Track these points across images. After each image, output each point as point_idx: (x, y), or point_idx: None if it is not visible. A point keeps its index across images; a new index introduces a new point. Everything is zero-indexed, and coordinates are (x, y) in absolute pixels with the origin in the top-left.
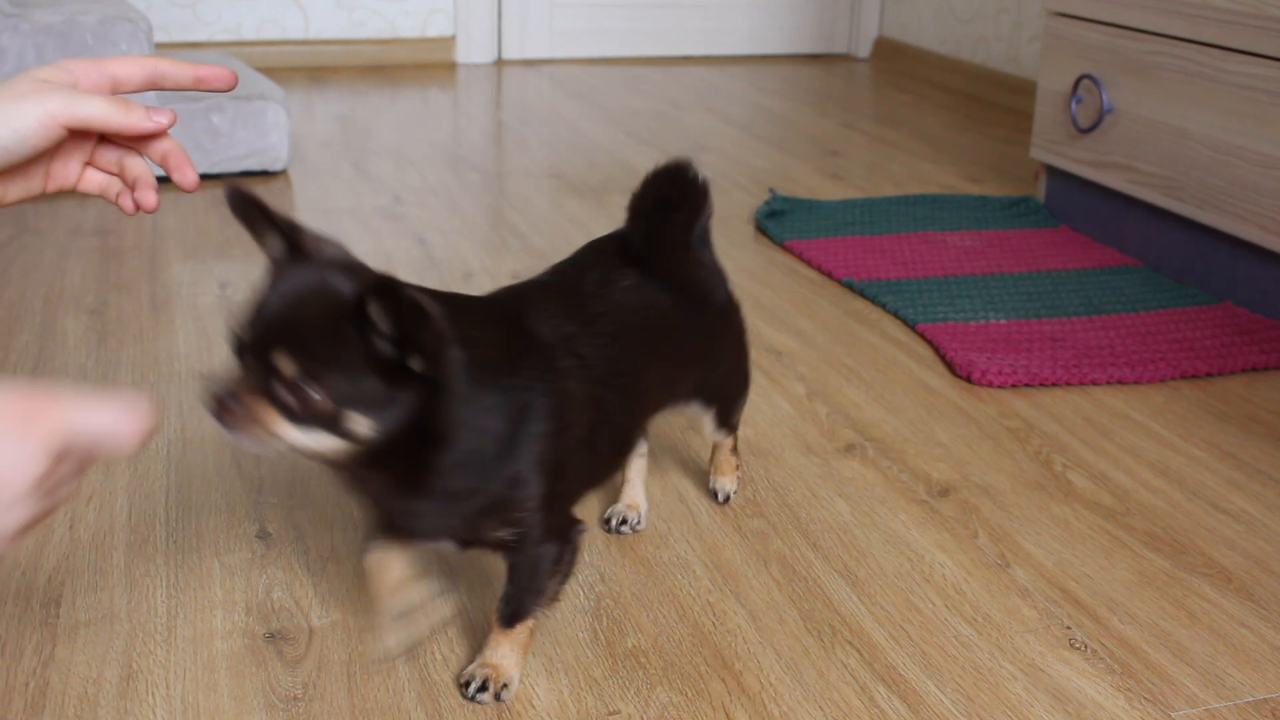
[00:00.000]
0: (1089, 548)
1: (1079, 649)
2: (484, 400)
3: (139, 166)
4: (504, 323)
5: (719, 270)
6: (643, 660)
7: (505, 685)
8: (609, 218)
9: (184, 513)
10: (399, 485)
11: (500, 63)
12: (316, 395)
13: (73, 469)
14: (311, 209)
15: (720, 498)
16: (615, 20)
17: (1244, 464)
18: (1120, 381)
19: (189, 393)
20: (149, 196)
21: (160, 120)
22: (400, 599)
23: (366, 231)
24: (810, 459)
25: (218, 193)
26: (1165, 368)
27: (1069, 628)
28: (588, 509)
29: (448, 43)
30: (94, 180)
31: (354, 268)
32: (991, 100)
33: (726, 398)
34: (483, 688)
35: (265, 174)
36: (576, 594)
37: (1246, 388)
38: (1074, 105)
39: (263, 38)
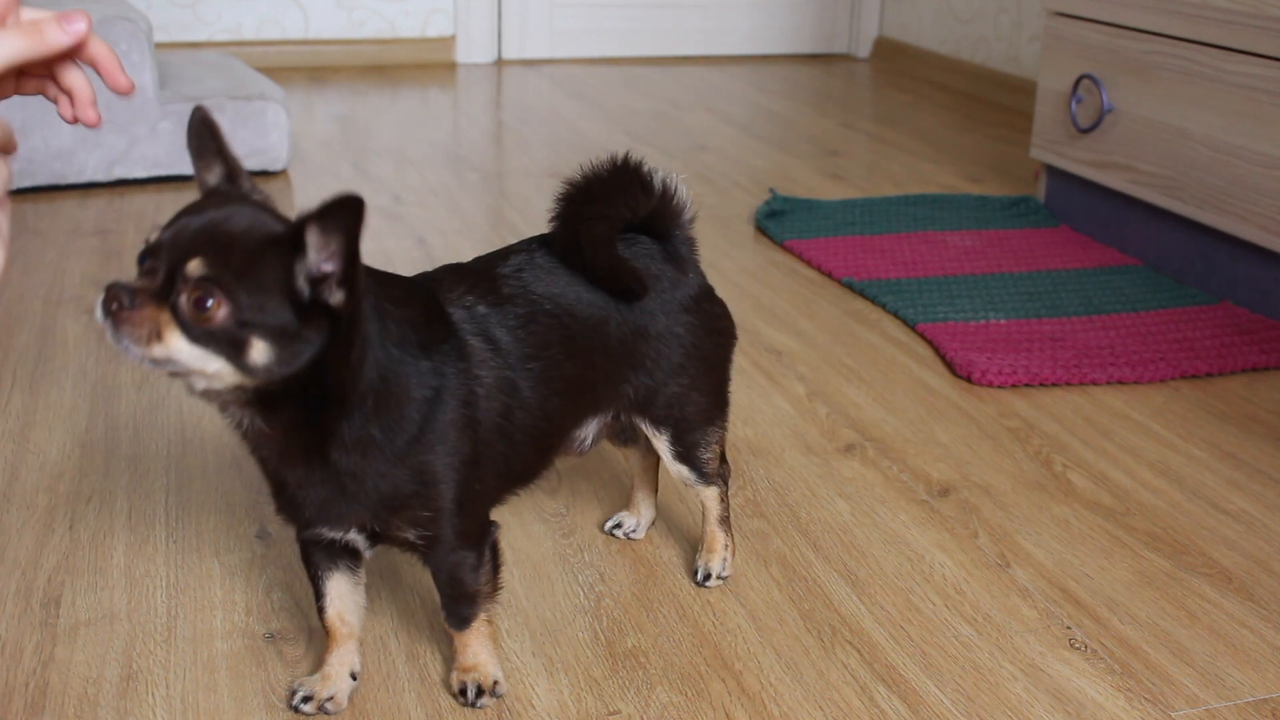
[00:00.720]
0: (1089, 548)
1: (1079, 649)
2: (396, 373)
3: (75, 79)
4: (420, 303)
5: (673, 274)
6: (643, 660)
7: (496, 682)
8: None
9: (184, 513)
10: (295, 450)
11: (500, 63)
12: (219, 305)
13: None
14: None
15: (699, 577)
16: (615, 20)
17: (1244, 464)
18: (1120, 381)
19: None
20: (89, 113)
21: (78, 28)
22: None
23: (366, 231)
24: (810, 459)
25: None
26: (1165, 368)
27: (1069, 628)
28: (586, 514)
29: (448, 43)
30: (28, 85)
31: (277, 213)
32: (991, 100)
33: (683, 421)
34: (479, 692)
35: (265, 174)
36: (576, 594)
37: (1246, 388)
38: (1074, 105)
39: (263, 38)
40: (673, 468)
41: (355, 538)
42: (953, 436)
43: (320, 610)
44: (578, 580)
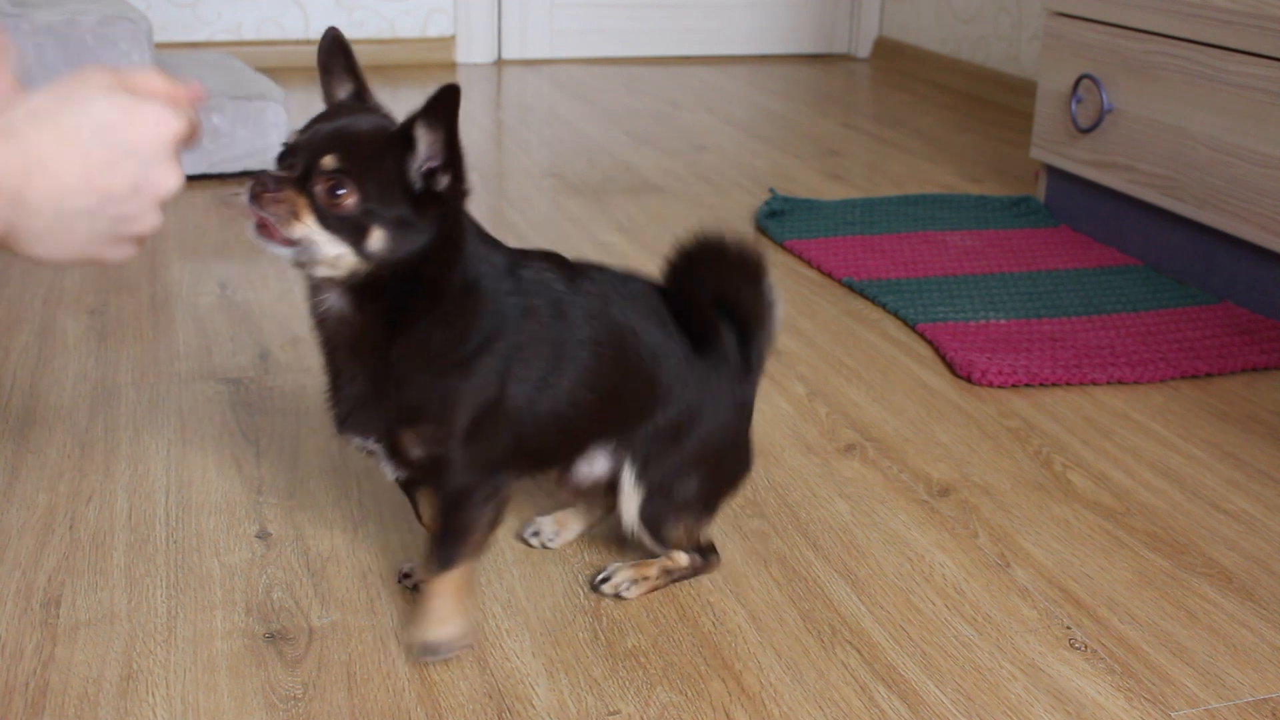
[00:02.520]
0: (1089, 548)
1: (1079, 649)
2: (472, 294)
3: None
4: (504, 252)
5: (739, 367)
6: (643, 660)
7: (446, 641)
8: (609, 218)
9: (184, 513)
10: (365, 341)
11: (500, 63)
12: (350, 193)
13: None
14: None
15: (599, 578)
16: (615, 20)
17: (1244, 464)
18: (1120, 381)
19: (189, 393)
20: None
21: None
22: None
23: None
24: (810, 459)
25: (218, 192)
26: (1165, 368)
27: (1069, 628)
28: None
29: (448, 43)
30: None
31: (393, 121)
32: (991, 100)
33: (665, 488)
34: (434, 650)
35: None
36: (576, 594)
37: (1246, 388)
38: (1074, 105)
39: (263, 38)
40: (630, 523)
41: (378, 450)
42: (953, 436)
43: (418, 515)
44: (578, 580)
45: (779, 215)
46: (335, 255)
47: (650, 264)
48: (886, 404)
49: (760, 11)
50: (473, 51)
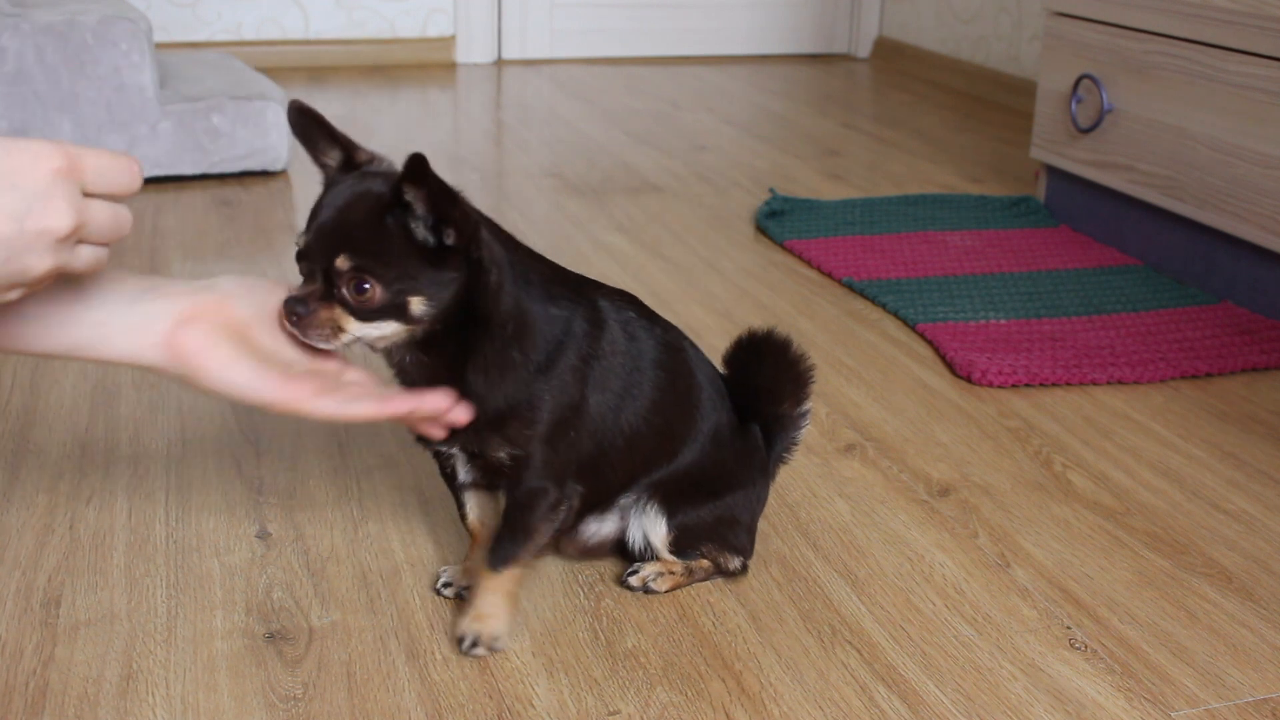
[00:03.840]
0: (1089, 548)
1: (1079, 649)
2: (528, 309)
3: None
4: (559, 275)
5: (763, 458)
6: (643, 660)
7: (496, 636)
8: (609, 218)
9: (184, 513)
10: (441, 374)
11: (500, 63)
12: (374, 287)
13: (106, 223)
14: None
15: (629, 577)
16: (615, 20)
17: (1244, 464)
18: (1120, 381)
19: (188, 392)
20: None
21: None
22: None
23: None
24: (810, 459)
25: (219, 192)
26: (1165, 368)
27: (1069, 628)
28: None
29: (448, 43)
30: None
31: (392, 175)
32: (991, 100)
33: (698, 535)
34: (475, 643)
35: (265, 174)
36: (576, 594)
37: (1246, 388)
38: (1074, 105)
39: (263, 38)
40: (660, 541)
41: (458, 456)
42: (953, 436)
43: (462, 517)
44: (578, 580)
45: (779, 215)
46: (385, 335)
47: (650, 264)
48: (886, 404)
49: (760, 11)
50: (473, 51)
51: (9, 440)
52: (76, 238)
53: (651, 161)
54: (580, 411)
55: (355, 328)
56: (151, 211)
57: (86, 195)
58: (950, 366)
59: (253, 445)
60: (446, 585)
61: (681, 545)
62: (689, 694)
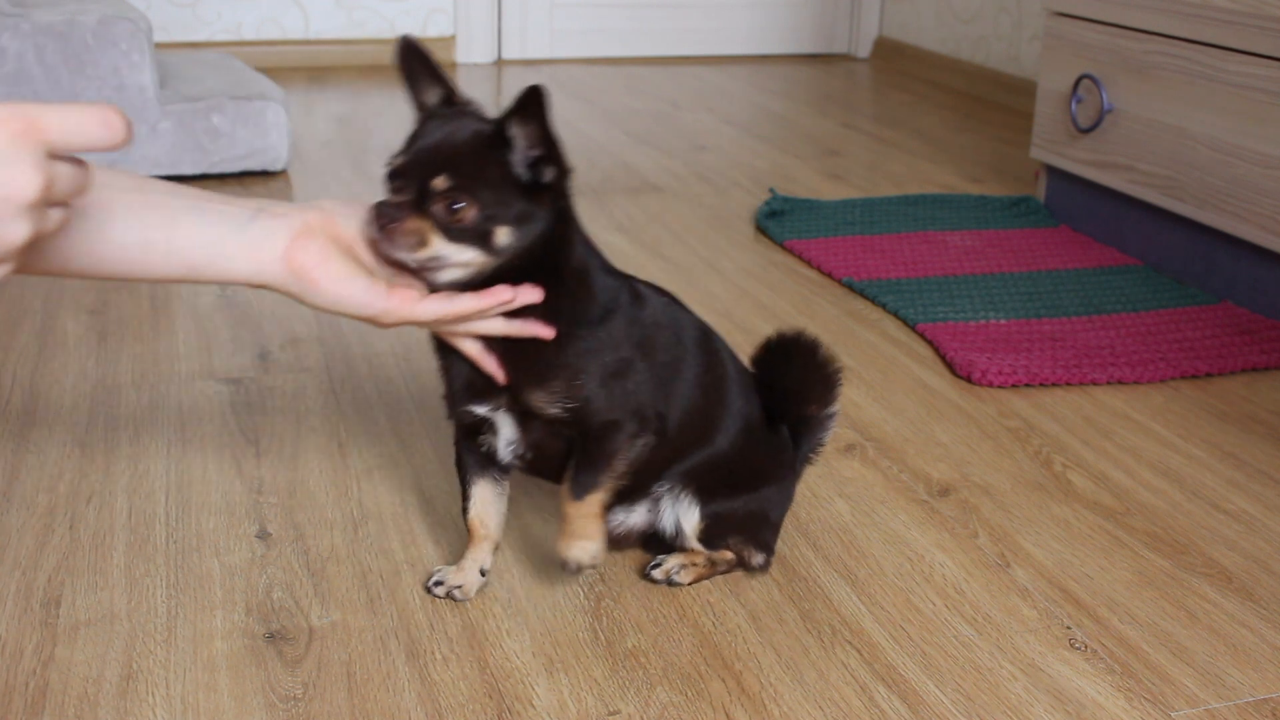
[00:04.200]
0: (1089, 548)
1: (1079, 649)
2: (589, 270)
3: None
4: (608, 263)
5: (791, 456)
6: (643, 660)
7: (595, 555)
8: (609, 218)
9: (184, 513)
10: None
11: (500, 63)
12: (468, 207)
13: (68, 181)
14: None
15: (653, 569)
16: (615, 20)
17: (1244, 464)
18: (1120, 381)
19: (189, 393)
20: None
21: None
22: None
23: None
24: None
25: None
26: (1165, 368)
27: (1069, 628)
28: None
29: (448, 43)
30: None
31: (489, 118)
32: (991, 100)
33: (720, 506)
34: (577, 569)
35: (265, 174)
36: (576, 594)
37: (1246, 388)
38: (1074, 105)
39: (263, 38)
40: (687, 541)
41: (503, 422)
42: (953, 436)
43: (464, 510)
44: (578, 580)
45: (779, 215)
46: (467, 260)
47: (650, 264)
48: (886, 404)
49: (760, 11)
50: (473, 51)
51: (9, 440)
52: (48, 200)
53: (651, 161)
54: (630, 364)
55: (439, 244)
56: None
57: (57, 156)
58: (950, 366)
59: (253, 445)
60: (438, 584)
61: (711, 535)
62: (689, 694)
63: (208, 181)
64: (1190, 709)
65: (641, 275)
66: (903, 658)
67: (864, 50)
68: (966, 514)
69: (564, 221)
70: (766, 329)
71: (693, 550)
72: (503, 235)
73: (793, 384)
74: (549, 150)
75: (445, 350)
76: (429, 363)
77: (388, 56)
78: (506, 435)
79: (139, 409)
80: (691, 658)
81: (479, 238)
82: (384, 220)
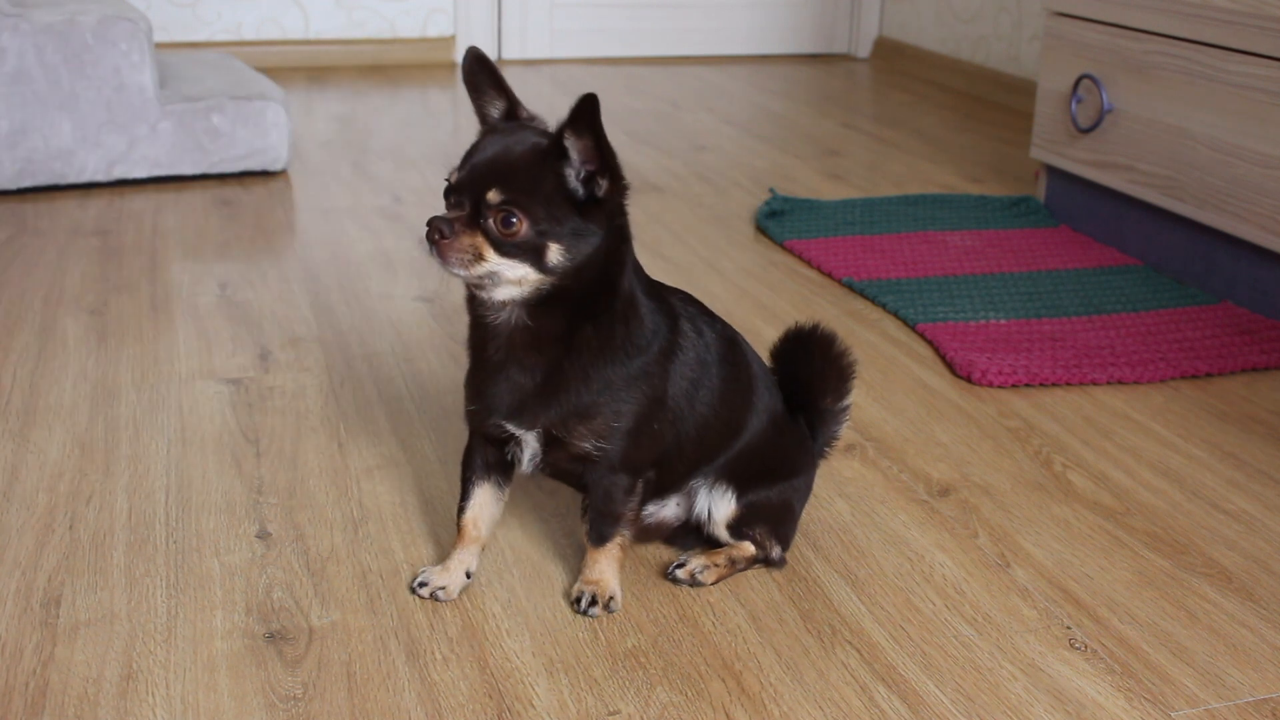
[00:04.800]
0: (1089, 548)
1: (1079, 649)
2: (637, 299)
3: None
4: (648, 278)
5: (809, 445)
6: (643, 660)
7: (611, 598)
8: None
9: (184, 513)
10: (542, 345)
11: (500, 63)
12: (521, 222)
13: None
14: (311, 209)
15: (676, 569)
16: (615, 20)
17: (1244, 464)
18: (1120, 381)
19: (188, 392)
20: None
21: None
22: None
23: (366, 231)
24: None
25: (218, 192)
26: (1165, 368)
27: (1069, 628)
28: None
29: (448, 43)
30: None
31: (548, 131)
32: (991, 100)
33: (756, 495)
34: (593, 602)
35: (265, 174)
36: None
37: (1246, 388)
38: (1074, 105)
39: (263, 38)
40: (722, 520)
41: (531, 440)
42: (953, 436)
43: (460, 510)
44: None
45: (779, 215)
46: (519, 276)
47: (650, 264)
48: (886, 404)
49: (760, 11)
50: None
51: (9, 440)
52: None
53: (651, 161)
54: (663, 404)
55: (494, 259)
56: (151, 211)
57: None
58: (950, 366)
59: (253, 445)
60: (422, 585)
61: (741, 523)
62: (689, 694)
63: (208, 181)
64: (1190, 709)
65: None
66: (903, 658)
67: (864, 50)
68: (966, 514)
69: (620, 240)
70: (766, 329)
71: (713, 550)
72: (555, 252)
73: (809, 376)
74: (603, 162)
75: (487, 371)
76: (429, 363)
77: (388, 56)
78: (531, 450)
79: (139, 409)
80: (691, 658)
81: (532, 252)
82: (435, 234)
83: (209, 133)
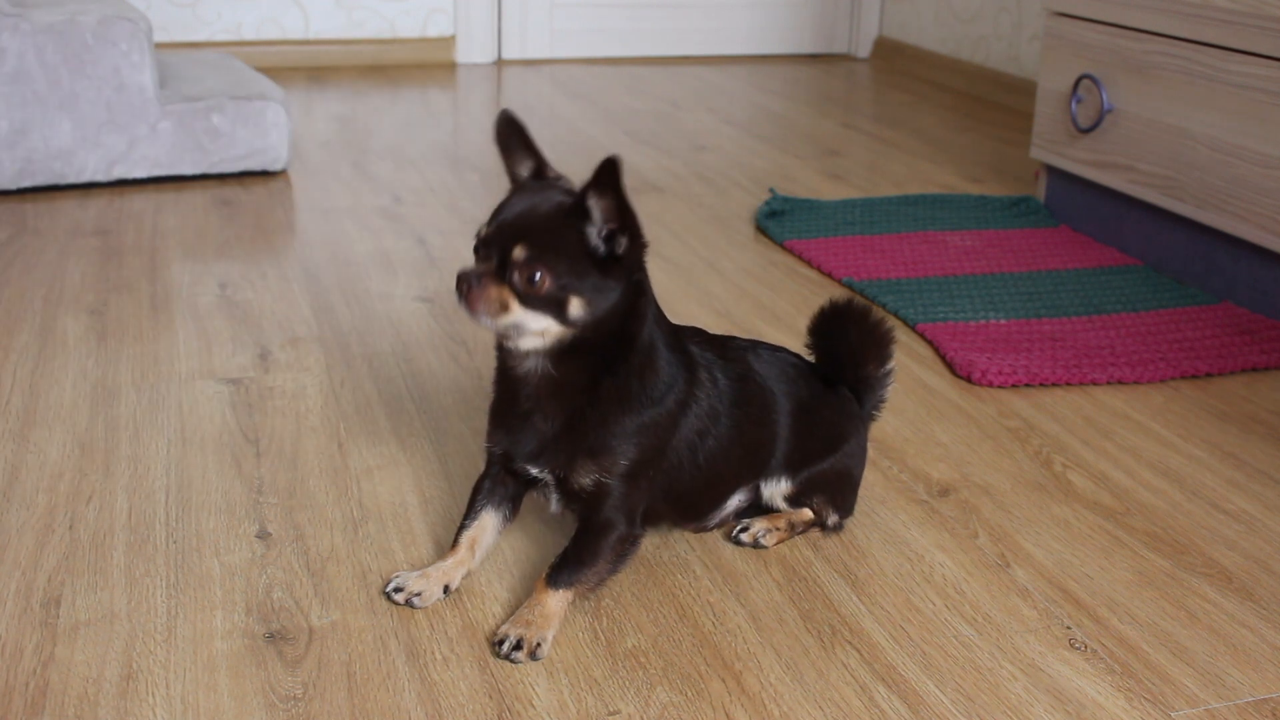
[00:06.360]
0: (1089, 548)
1: (1079, 649)
2: (657, 348)
3: None
4: (670, 326)
5: (856, 408)
6: (643, 660)
7: (539, 644)
8: None
9: (184, 513)
10: (564, 394)
11: (500, 63)
12: (544, 277)
13: None
14: (311, 209)
15: (741, 533)
16: (615, 20)
17: (1244, 464)
18: (1120, 381)
19: (188, 392)
20: None
21: None
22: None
23: (366, 231)
24: None
25: (218, 192)
26: (1165, 368)
27: (1069, 628)
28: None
29: (448, 43)
30: None
31: (574, 190)
32: (991, 100)
33: (810, 471)
34: (518, 646)
35: (265, 174)
36: None
37: (1246, 388)
38: (1074, 105)
39: (263, 38)
40: (780, 496)
41: (548, 479)
42: (953, 436)
43: (461, 527)
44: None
45: (779, 215)
46: (542, 328)
47: (651, 264)
48: (887, 404)
49: (760, 11)
50: (473, 51)
51: (9, 441)
52: None
53: (651, 161)
54: (663, 454)
55: (518, 312)
56: (151, 211)
57: None
58: (950, 366)
59: (253, 445)
60: (397, 590)
61: (799, 495)
62: (689, 694)
63: (208, 181)
64: (1190, 709)
65: None
66: (903, 658)
67: (864, 50)
68: (966, 514)
69: (638, 294)
70: (767, 329)
71: (774, 514)
72: (576, 306)
73: (850, 348)
74: (623, 222)
75: (513, 416)
76: (429, 363)
77: (388, 56)
78: (554, 492)
79: (139, 409)
80: (691, 658)
81: (554, 306)
82: (464, 286)
83: (209, 133)
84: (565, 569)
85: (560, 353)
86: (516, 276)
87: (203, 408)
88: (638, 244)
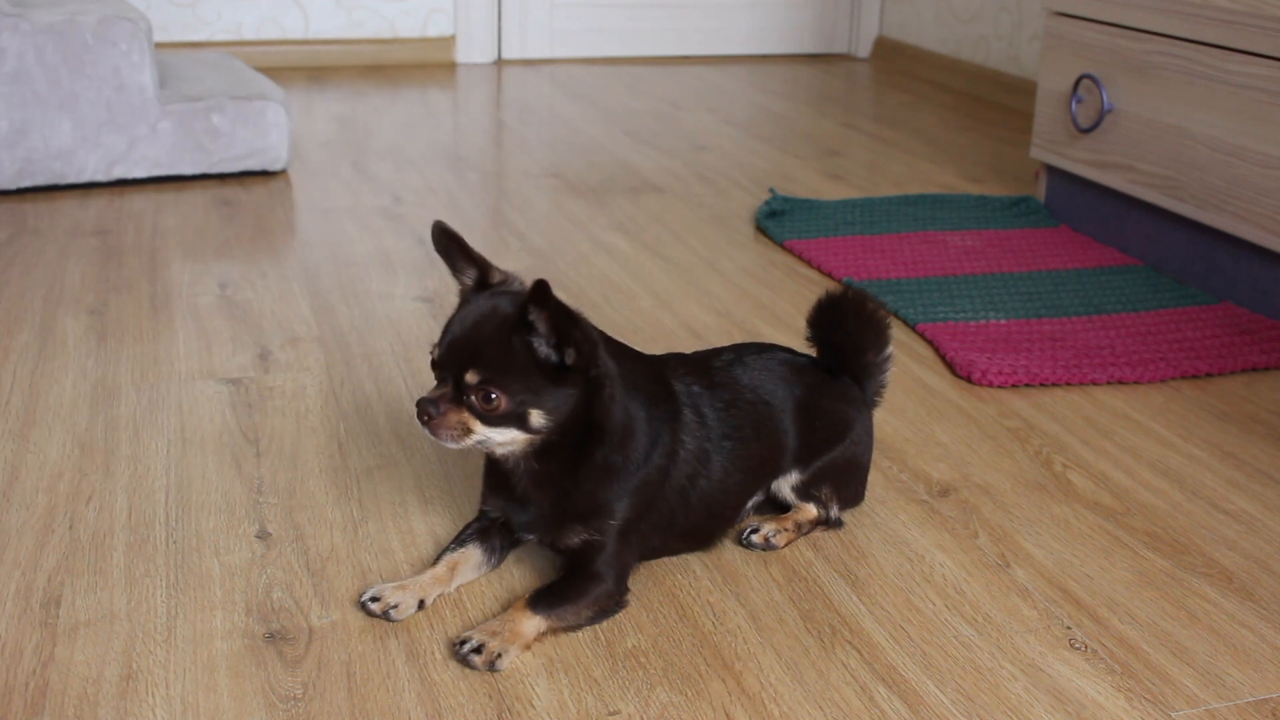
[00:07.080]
0: (1089, 548)
1: (1079, 649)
2: (634, 416)
3: None
4: (651, 371)
5: (859, 394)
6: (643, 660)
7: (499, 655)
8: (609, 218)
9: (184, 513)
10: (553, 479)
11: (500, 63)
12: (500, 398)
13: None
14: (311, 209)
15: (751, 535)
16: (615, 20)
17: (1244, 464)
18: (1120, 381)
19: (188, 392)
20: None
21: None
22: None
23: (366, 231)
24: None
25: (218, 192)
26: (1165, 368)
27: (1069, 628)
28: None
29: (448, 42)
30: None
31: (521, 295)
32: (991, 100)
33: (820, 462)
34: (478, 650)
35: (265, 174)
36: None
37: (1246, 388)
38: (1074, 105)
39: (263, 38)
40: (789, 491)
41: (537, 541)
42: (953, 436)
43: (446, 549)
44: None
45: (779, 215)
46: (509, 439)
47: (650, 264)
48: (887, 404)
49: (760, 11)
50: (473, 51)
51: (9, 440)
52: None
53: (651, 161)
54: (653, 508)
55: (481, 431)
56: (151, 211)
57: None
58: (950, 366)
59: (253, 445)
60: (374, 600)
61: (808, 487)
62: (689, 694)
63: (208, 181)
64: (1190, 709)
65: (641, 275)
66: (903, 658)
67: (864, 50)
68: (966, 514)
69: (599, 388)
70: (767, 329)
71: (781, 515)
72: (536, 417)
73: (847, 337)
74: (564, 336)
75: (507, 493)
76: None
77: (388, 56)
78: (549, 550)
79: (139, 409)
80: (691, 658)
81: (515, 420)
82: (427, 416)
83: (209, 133)
84: (548, 598)
85: (536, 452)
86: (473, 399)
87: (203, 408)
88: (585, 353)
